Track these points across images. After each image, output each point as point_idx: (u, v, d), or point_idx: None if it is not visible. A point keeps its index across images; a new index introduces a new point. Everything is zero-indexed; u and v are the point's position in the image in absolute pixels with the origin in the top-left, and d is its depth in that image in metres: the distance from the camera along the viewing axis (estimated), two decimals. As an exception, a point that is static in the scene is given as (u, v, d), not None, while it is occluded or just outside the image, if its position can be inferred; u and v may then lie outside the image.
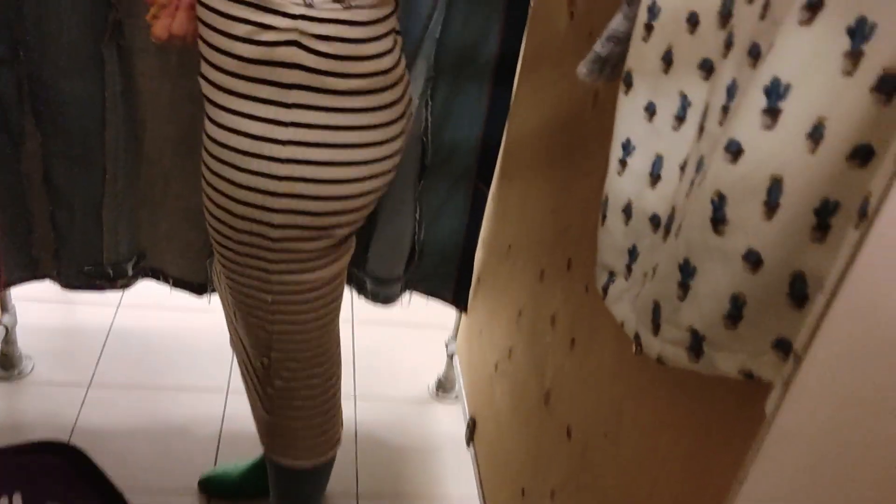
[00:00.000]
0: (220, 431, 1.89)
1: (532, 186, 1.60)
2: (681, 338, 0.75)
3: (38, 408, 1.87)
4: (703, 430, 0.87)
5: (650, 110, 0.88)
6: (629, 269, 0.91)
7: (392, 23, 1.14)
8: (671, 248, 0.76)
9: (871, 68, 0.57)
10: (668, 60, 0.85)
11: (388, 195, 1.57)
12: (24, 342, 1.97)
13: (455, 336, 2.14)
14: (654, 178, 0.87)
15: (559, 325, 1.36)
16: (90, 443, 1.56)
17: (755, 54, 0.67)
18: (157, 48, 1.51)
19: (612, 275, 0.95)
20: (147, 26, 1.18)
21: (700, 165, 0.73)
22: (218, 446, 1.85)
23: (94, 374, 1.98)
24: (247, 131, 1.10)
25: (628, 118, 0.90)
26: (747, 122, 0.64)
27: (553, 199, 1.45)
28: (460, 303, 1.94)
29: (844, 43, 0.58)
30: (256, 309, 1.26)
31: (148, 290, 1.89)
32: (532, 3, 1.54)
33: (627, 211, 0.90)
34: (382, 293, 1.89)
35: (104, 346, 2.08)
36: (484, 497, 1.78)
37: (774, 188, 0.63)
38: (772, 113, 0.63)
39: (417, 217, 1.80)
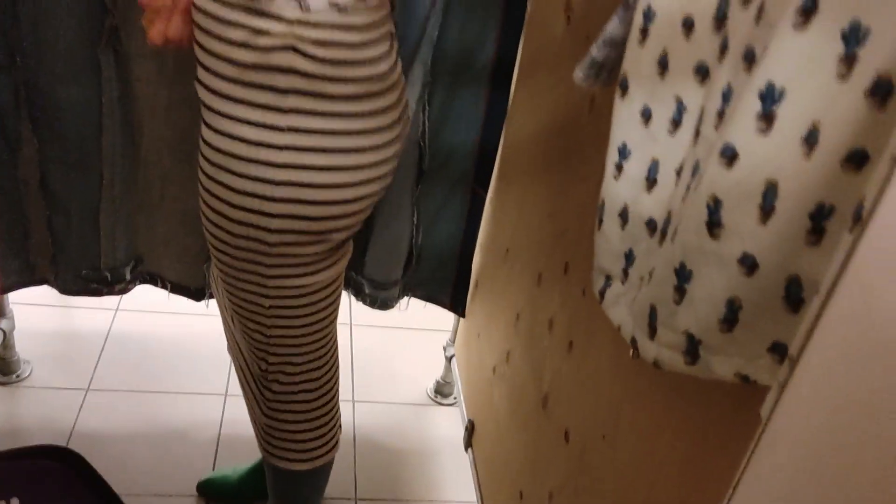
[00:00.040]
0: (219, 435, 1.89)
1: (529, 191, 1.60)
2: (677, 342, 0.75)
3: (36, 412, 1.87)
4: (699, 434, 0.87)
5: (646, 115, 0.88)
6: (626, 273, 0.91)
7: (388, 26, 1.13)
8: (667, 253, 0.76)
9: (865, 73, 0.57)
10: (663, 65, 0.85)
11: (385, 199, 1.57)
12: (23, 346, 1.97)
13: (453, 340, 2.14)
14: (651, 182, 0.87)
15: (557, 329, 1.36)
16: (88, 447, 1.57)
17: (750, 59, 0.67)
18: (153, 53, 1.51)
19: (608, 279, 0.95)
20: (143, 31, 1.18)
21: (696, 170, 0.74)
22: (216, 450, 1.85)
23: (92, 379, 1.98)
24: (244, 137, 1.09)
25: (624, 123, 0.90)
26: (742, 127, 0.64)
27: (550, 203, 1.45)
28: (458, 307, 1.93)
29: (839, 47, 0.58)
30: (254, 313, 1.26)
31: (146, 295, 1.89)
32: (529, 8, 1.54)
33: (624, 215, 0.90)
34: (380, 297, 1.89)
35: (102, 350, 2.08)
36: (482, 500, 1.78)
37: (769, 192, 0.63)
38: (766, 117, 0.63)
39: (415, 221, 1.80)
